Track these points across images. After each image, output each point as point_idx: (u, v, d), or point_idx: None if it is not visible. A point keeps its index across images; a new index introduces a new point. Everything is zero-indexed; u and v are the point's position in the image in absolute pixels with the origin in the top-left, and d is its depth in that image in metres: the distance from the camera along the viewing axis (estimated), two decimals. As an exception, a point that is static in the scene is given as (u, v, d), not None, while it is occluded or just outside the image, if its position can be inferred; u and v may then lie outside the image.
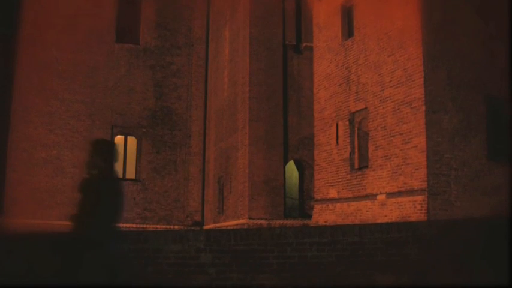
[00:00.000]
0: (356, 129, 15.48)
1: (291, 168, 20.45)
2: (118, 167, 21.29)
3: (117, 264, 4.95)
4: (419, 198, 12.65)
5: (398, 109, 13.62)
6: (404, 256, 6.61)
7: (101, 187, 4.99)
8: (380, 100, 14.34)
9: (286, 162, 19.42)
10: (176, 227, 22.01)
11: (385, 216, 13.54)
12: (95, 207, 4.90)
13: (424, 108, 12.85)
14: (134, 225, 21.51)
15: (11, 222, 17.64)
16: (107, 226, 4.96)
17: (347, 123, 15.70)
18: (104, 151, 5.14)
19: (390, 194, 13.60)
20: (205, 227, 22.26)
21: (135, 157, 22.48)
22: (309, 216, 17.79)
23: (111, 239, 4.96)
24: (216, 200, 21.64)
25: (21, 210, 19.01)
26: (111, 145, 5.28)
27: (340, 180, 15.67)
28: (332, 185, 15.98)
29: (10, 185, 20.18)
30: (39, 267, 5.76)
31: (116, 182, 5.15)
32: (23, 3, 21.40)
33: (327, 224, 15.52)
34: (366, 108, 14.97)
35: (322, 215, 16.14)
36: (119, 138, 22.47)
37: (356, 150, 15.39)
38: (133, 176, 22.34)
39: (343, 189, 15.49)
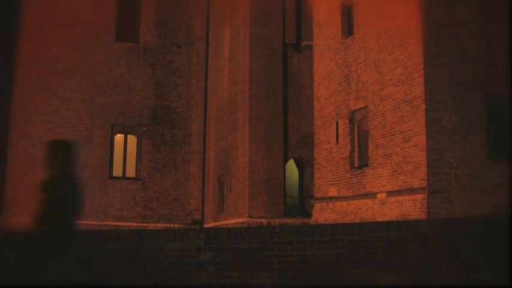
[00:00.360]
0: (356, 127, 15.48)
1: (291, 166, 20.45)
2: (118, 166, 21.14)
3: (80, 263, 4.98)
4: (420, 196, 12.65)
5: (399, 108, 13.62)
6: (405, 255, 6.61)
7: (57, 188, 5.03)
8: (380, 99, 14.33)
9: (286, 160, 19.42)
10: (176, 225, 22.02)
11: (385, 214, 13.54)
12: (52, 208, 4.94)
13: (424, 106, 12.85)
14: (134, 224, 21.52)
15: (11, 221, 17.64)
16: (64, 226, 5.00)
17: (347, 121, 15.69)
18: (58, 152, 5.18)
19: (390, 193, 13.60)
20: (205, 226, 22.27)
21: (135, 156, 22.48)
22: (309, 215, 17.80)
23: (69, 239, 5.00)
24: (216, 199, 21.64)
25: (21, 209, 19.01)
26: (67, 146, 5.29)
27: (340, 178, 15.68)
28: (332, 184, 15.98)
29: (10, 184, 20.19)
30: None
31: (72, 182, 5.17)
32: (23, 1, 21.39)
33: (327, 222, 15.52)
34: (366, 106, 14.97)
35: (322, 214, 16.14)
36: (119, 137, 22.48)
37: (356, 148, 15.39)
38: (133, 175, 22.35)
39: (343, 187, 15.50)
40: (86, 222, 20.68)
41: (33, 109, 21.41)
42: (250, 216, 18.34)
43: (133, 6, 23.30)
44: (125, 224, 21.26)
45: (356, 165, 15.30)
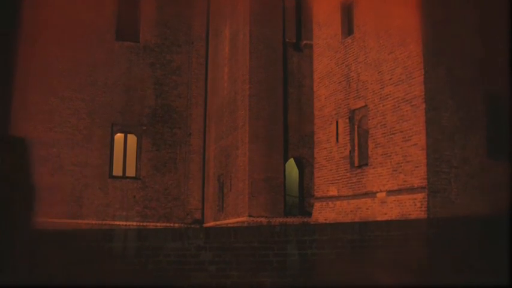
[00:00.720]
0: (356, 127, 15.48)
1: (291, 166, 20.45)
2: (118, 165, 21.14)
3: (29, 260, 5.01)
4: (420, 196, 12.65)
5: (398, 107, 13.61)
6: (405, 254, 6.61)
7: (5, 184, 5.06)
8: (380, 98, 14.33)
9: (286, 160, 19.42)
10: (176, 224, 22.02)
11: (385, 214, 13.54)
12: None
13: (424, 105, 12.84)
14: (134, 223, 21.53)
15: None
16: (12, 222, 5.03)
17: (347, 121, 15.69)
18: (8, 148, 5.20)
19: (390, 192, 13.60)
20: (205, 225, 22.28)
21: (135, 155, 22.48)
22: (309, 214, 17.80)
23: (17, 235, 5.01)
24: (216, 198, 21.64)
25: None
26: (18, 143, 5.31)
27: (340, 178, 15.67)
28: (332, 183, 15.98)
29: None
30: None
31: (23, 178, 5.19)
32: (23, 1, 21.37)
33: (327, 221, 15.52)
34: (365, 106, 14.97)
35: (322, 213, 16.14)
36: (119, 136, 22.48)
37: (356, 148, 15.39)
38: (133, 174, 22.35)
39: (343, 187, 15.50)
40: (86, 222, 20.70)
41: (33, 108, 21.39)
42: (250, 216, 18.34)
43: (133, 6, 23.29)
44: (124, 223, 21.26)
45: (356, 164, 15.30)
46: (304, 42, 19.92)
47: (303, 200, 19.73)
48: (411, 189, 12.94)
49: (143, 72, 22.91)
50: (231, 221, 19.46)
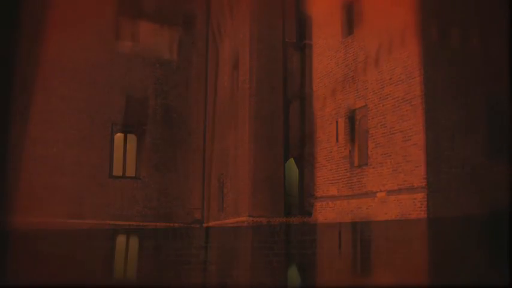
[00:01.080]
0: (356, 126, 15.50)
1: (291, 166, 20.46)
2: (118, 165, 21.17)
3: None
4: (419, 195, 12.65)
5: (398, 107, 13.63)
6: (405, 253, 6.62)
7: None
8: (380, 98, 14.34)
9: (286, 159, 19.43)
10: (176, 224, 22.03)
11: (385, 213, 13.54)
12: None
13: (423, 105, 12.86)
14: (134, 223, 21.53)
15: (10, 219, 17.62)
16: None
17: (347, 120, 15.71)
18: None
19: (390, 192, 13.61)
20: (205, 225, 22.28)
21: (135, 155, 22.48)
22: (309, 214, 17.80)
23: None
24: (216, 198, 21.65)
25: (20, 207, 19.00)
26: None
27: (340, 177, 15.68)
28: (332, 183, 15.99)
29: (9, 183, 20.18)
30: None
31: None
32: (23, 1, 21.38)
33: (327, 221, 15.53)
34: (365, 105, 14.98)
35: (322, 213, 16.15)
36: (118, 136, 22.48)
37: (356, 147, 15.41)
38: (133, 174, 22.35)
39: (343, 186, 15.50)
40: (86, 221, 20.70)
41: (33, 108, 21.38)
42: (250, 215, 18.34)
43: (133, 5, 23.29)
44: (124, 223, 21.27)
45: (356, 164, 15.31)
46: (304, 42, 19.93)
47: (303, 200, 19.73)
48: (411, 189, 12.95)
49: (143, 72, 22.91)
50: (231, 220, 19.47)
